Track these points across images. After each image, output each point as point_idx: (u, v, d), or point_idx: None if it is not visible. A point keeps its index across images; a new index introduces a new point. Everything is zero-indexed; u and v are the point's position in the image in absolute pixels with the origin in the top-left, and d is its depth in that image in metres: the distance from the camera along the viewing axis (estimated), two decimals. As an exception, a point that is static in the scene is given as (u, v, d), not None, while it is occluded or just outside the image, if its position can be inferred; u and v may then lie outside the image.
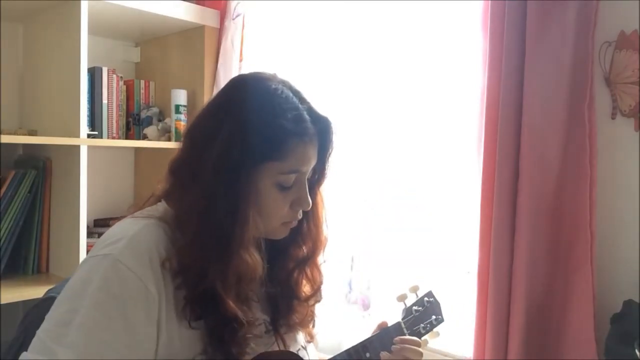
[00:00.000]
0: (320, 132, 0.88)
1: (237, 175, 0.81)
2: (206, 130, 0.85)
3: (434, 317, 1.07)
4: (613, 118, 1.33)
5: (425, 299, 1.09)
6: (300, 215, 0.90)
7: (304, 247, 0.96)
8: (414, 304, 1.08)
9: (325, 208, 0.97)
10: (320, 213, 0.96)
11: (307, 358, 0.97)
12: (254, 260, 0.83)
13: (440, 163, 1.68)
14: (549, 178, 1.33)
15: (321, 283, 0.99)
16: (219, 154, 0.81)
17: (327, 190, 0.97)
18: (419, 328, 1.06)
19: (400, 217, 1.78)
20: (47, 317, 0.77)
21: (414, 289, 1.09)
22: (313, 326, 1.02)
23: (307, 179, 0.89)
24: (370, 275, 1.81)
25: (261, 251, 0.86)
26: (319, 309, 1.03)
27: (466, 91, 1.54)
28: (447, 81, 1.65)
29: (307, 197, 0.88)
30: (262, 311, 0.93)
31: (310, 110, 0.87)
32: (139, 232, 0.80)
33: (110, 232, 0.83)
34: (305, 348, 0.98)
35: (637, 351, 1.13)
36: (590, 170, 1.29)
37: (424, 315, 1.07)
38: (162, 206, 0.88)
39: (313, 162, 0.89)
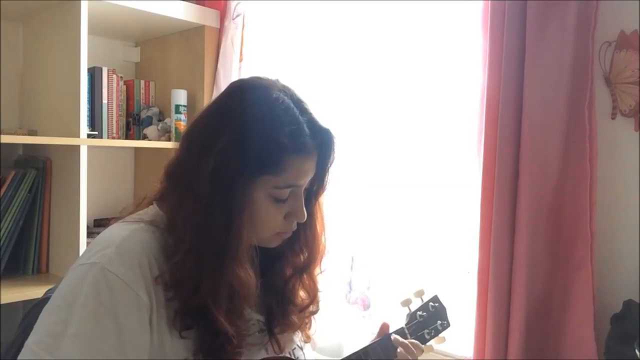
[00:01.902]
0: (320, 144, 0.86)
1: (232, 187, 0.80)
2: (204, 137, 0.83)
3: (439, 322, 1.07)
4: (613, 118, 1.33)
5: (431, 303, 1.08)
6: (295, 227, 0.89)
7: (301, 255, 0.95)
8: (418, 309, 1.07)
9: (324, 219, 0.96)
10: (318, 224, 0.95)
11: (302, 359, 0.97)
12: (247, 276, 0.82)
13: (440, 163, 1.68)
14: (549, 178, 1.33)
15: (316, 293, 0.98)
16: (216, 165, 0.80)
17: (328, 190, 0.97)
18: (423, 333, 1.06)
19: (401, 217, 1.78)
20: (36, 327, 0.75)
21: (419, 294, 1.08)
22: (310, 328, 1.01)
23: (306, 188, 0.88)
24: (370, 275, 1.81)
25: (254, 266, 0.85)
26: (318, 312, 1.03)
27: (466, 91, 1.54)
28: (447, 81, 1.65)
29: (303, 209, 0.87)
30: (257, 311, 0.92)
31: (311, 122, 0.85)
32: (127, 238, 0.79)
33: (99, 239, 0.81)
34: (301, 348, 0.98)
35: (637, 351, 1.13)
36: (590, 170, 1.29)
37: (428, 320, 1.07)
38: (153, 209, 0.88)
39: (310, 175, 0.87)
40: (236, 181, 0.80)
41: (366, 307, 1.80)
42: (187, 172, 0.83)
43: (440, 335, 1.08)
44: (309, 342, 1.01)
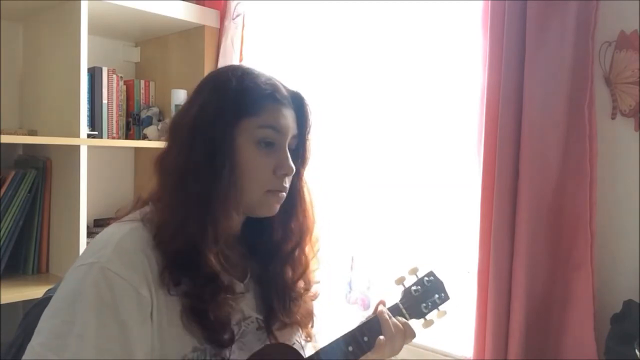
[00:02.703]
0: (295, 104, 0.91)
1: (213, 132, 0.83)
2: (184, 111, 0.88)
3: (437, 295, 1.05)
4: (613, 118, 1.33)
5: (426, 278, 1.06)
6: (285, 184, 0.89)
7: (293, 239, 0.96)
8: (413, 285, 1.06)
9: (311, 193, 0.98)
10: (306, 198, 0.97)
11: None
12: (231, 218, 0.85)
13: (441, 163, 1.68)
14: (549, 178, 1.33)
15: (306, 268, 0.98)
16: (195, 116, 0.84)
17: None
18: (420, 308, 1.04)
19: (401, 217, 1.78)
20: (39, 329, 0.76)
21: (413, 271, 1.07)
22: (312, 326, 1.01)
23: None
24: (370, 275, 1.81)
25: (239, 213, 0.88)
26: (318, 308, 1.03)
27: (466, 91, 1.54)
28: (447, 81, 1.65)
29: (288, 160, 0.88)
30: (255, 310, 0.93)
31: (284, 85, 0.91)
32: (125, 237, 0.80)
33: (97, 239, 0.83)
34: (302, 347, 0.97)
35: (637, 351, 1.13)
36: (590, 170, 1.29)
37: (425, 295, 1.05)
38: (149, 209, 0.88)
39: (291, 128, 0.90)
40: (216, 125, 0.83)
41: (366, 307, 1.80)
42: (173, 149, 0.87)
43: (441, 309, 1.06)
44: (310, 341, 1.00)
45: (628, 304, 1.24)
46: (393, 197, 1.79)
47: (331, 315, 1.78)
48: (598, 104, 1.32)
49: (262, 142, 0.86)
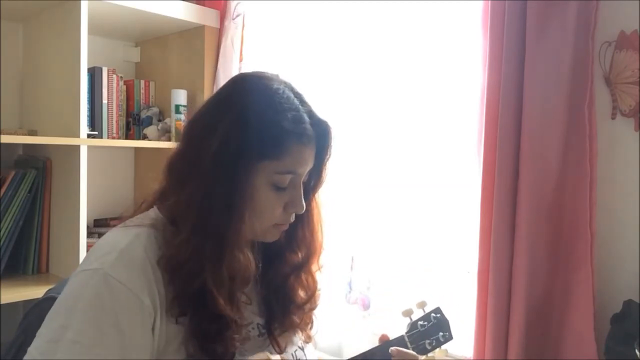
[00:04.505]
0: (318, 135, 0.87)
1: (234, 172, 0.80)
2: (205, 127, 0.84)
3: (441, 333, 1.06)
4: (613, 118, 1.33)
5: (433, 314, 1.07)
6: (292, 219, 0.89)
7: (299, 253, 0.95)
8: (419, 319, 1.06)
9: (322, 214, 0.96)
10: (316, 219, 0.95)
11: (304, 359, 0.97)
12: (247, 259, 0.82)
13: (441, 163, 1.68)
14: (549, 178, 1.33)
15: (315, 290, 0.98)
16: (217, 150, 0.80)
17: (328, 191, 0.97)
18: (424, 343, 1.04)
19: (401, 217, 1.78)
20: (38, 333, 0.76)
21: (421, 305, 1.07)
22: (311, 328, 1.01)
23: (303, 182, 0.88)
24: (370, 275, 1.81)
25: (254, 251, 0.85)
26: (318, 310, 1.03)
27: (466, 91, 1.54)
28: (447, 81, 1.65)
29: (301, 200, 0.87)
30: (257, 314, 0.92)
31: (311, 113, 0.86)
32: (130, 244, 0.79)
33: (101, 244, 0.82)
34: (302, 349, 0.97)
35: (637, 351, 1.13)
36: (590, 170, 1.29)
37: (430, 331, 1.05)
38: (153, 213, 0.88)
39: (310, 165, 0.88)
40: (238, 165, 0.80)
41: (366, 307, 1.80)
42: (189, 161, 0.84)
43: (442, 347, 1.07)
44: (309, 342, 1.00)
45: (628, 304, 1.24)
46: (393, 197, 1.79)
47: (331, 315, 1.79)
48: (598, 104, 1.32)
49: (279, 185, 0.85)
